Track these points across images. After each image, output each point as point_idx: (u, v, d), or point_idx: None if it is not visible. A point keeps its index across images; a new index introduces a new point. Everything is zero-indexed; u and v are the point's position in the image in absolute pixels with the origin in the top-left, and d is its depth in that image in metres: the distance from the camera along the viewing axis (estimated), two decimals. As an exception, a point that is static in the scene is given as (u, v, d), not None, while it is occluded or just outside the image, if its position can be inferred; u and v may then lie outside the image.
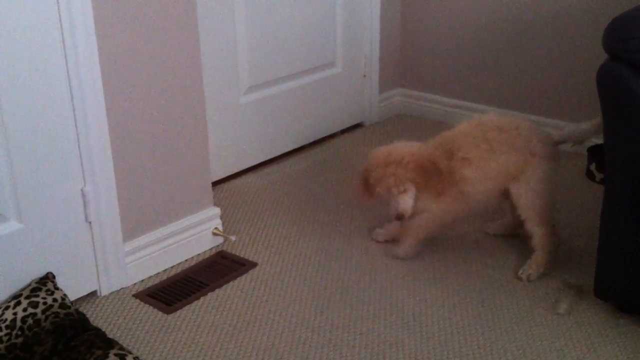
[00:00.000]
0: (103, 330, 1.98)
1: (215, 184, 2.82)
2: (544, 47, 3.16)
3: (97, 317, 2.08)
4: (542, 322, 2.04)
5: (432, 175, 2.21)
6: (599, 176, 2.77)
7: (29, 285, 1.97)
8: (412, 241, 2.35)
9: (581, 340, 1.96)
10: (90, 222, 2.08)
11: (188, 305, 2.13)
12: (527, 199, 2.22)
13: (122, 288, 2.20)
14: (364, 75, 3.47)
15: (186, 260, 2.36)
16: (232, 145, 2.92)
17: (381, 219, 2.59)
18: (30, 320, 1.88)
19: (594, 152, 2.85)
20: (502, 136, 2.21)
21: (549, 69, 3.17)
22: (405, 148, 2.29)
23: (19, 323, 1.86)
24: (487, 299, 2.15)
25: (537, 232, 2.24)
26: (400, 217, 2.26)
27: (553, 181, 2.24)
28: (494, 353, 1.92)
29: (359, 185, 2.33)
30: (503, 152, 2.20)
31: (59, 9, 1.87)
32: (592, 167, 2.83)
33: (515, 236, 2.43)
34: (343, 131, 3.46)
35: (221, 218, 2.47)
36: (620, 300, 2.01)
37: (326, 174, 3.00)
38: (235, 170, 2.98)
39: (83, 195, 2.05)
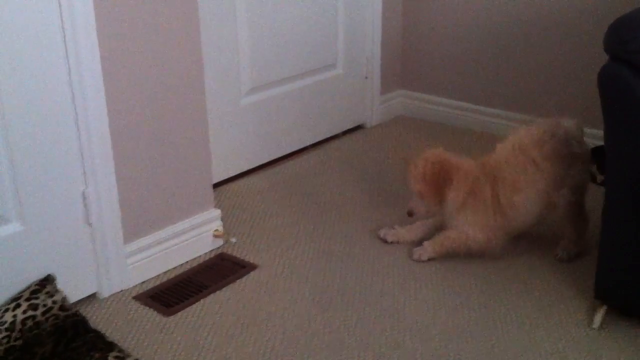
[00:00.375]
0: (103, 332, 1.98)
1: (216, 185, 2.82)
2: (544, 48, 3.15)
3: (97, 319, 2.08)
4: (543, 325, 2.04)
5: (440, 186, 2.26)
6: (600, 178, 2.76)
7: (29, 287, 1.97)
8: (433, 250, 2.34)
9: (581, 342, 1.96)
10: (91, 224, 2.08)
11: (188, 307, 2.12)
12: (569, 203, 2.27)
13: (123, 290, 2.20)
14: (366, 77, 3.47)
15: (187, 262, 2.35)
16: (233, 146, 2.92)
17: (385, 220, 2.59)
18: (30, 323, 1.88)
19: (595, 154, 2.84)
20: (545, 149, 2.23)
21: (550, 71, 3.17)
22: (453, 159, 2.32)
23: (18, 326, 1.86)
24: (489, 302, 2.14)
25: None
26: (409, 214, 2.36)
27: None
28: (494, 356, 1.91)
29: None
30: (549, 166, 2.23)
31: (60, 10, 1.88)
32: (593, 168, 2.83)
33: (517, 238, 2.42)
34: (344, 133, 3.45)
35: (222, 220, 2.47)
36: (621, 302, 2.01)
37: (327, 176, 3.00)
38: (237, 172, 2.98)
39: (84, 197, 2.05)
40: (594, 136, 2.62)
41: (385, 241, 2.45)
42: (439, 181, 2.26)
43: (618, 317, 2.03)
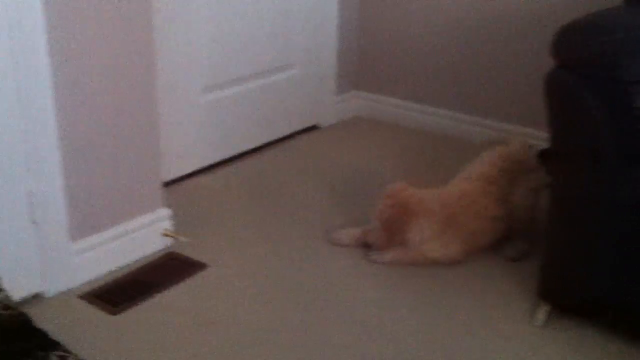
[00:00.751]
0: (47, 331, 1.95)
1: (170, 183, 2.81)
2: (498, 51, 3.20)
3: (42, 319, 2.03)
4: (488, 323, 2.06)
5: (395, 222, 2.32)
6: (548, 180, 2.81)
7: (-29, 286, 1.93)
8: (391, 260, 2.36)
9: (525, 340, 1.99)
10: (36, 222, 2.05)
11: (135, 307, 2.11)
12: (524, 207, 2.41)
13: (69, 289, 2.18)
14: (322, 77, 3.48)
15: (135, 261, 2.33)
16: (188, 144, 2.90)
17: (338, 221, 2.60)
18: (-30, 322, 1.84)
19: (544, 156, 2.88)
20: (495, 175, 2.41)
21: (504, 73, 3.21)
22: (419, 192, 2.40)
23: (-42, 325, 1.83)
24: (437, 301, 2.17)
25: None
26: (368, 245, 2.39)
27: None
28: (442, 353, 1.94)
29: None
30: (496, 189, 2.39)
31: (5, 3, 1.84)
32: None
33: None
34: (299, 132, 3.46)
35: (173, 219, 2.46)
36: (563, 301, 2.04)
37: (280, 175, 3.00)
38: (191, 169, 2.96)
39: (29, 195, 2.02)
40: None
41: (338, 245, 2.46)
42: (396, 225, 2.31)
43: (561, 315, 2.07)
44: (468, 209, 2.35)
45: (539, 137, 3.07)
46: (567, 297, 2.03)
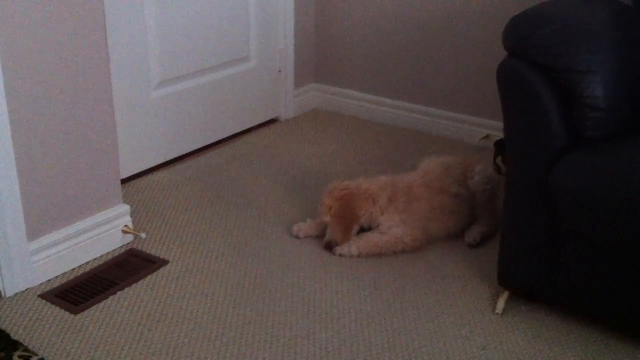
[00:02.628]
0: (7, 332, 1.93)
1: (125, 180, 2.78)
2: (455, 43, 3.23)
3: (1, 319, 2.02)
4: (449, 311, 2.09)
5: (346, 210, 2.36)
6: (504, 169, 2.86)
7: None
8: (358, 250, 2.36)
9: (485, 327, 2.02)
10: (-8, 222, 2.02)
11: (96, 305, 2.09)
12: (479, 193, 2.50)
13: (28, 288, 2.15)
14: (279, 70, 3.47)
15: (95, 258, 2.31)
16: (143, 141, 2.87)
17: (297, 214, 2.61)
18: None
19: (500, 146, 2.93)
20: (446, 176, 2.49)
21: (460, 65, 3.25)
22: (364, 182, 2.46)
23: None
24: (398, 291, 2.19)
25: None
26: (328, 247, 2.40)
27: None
28: (402, 342, 1.96)
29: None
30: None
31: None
32: (498, 160, 2.92)
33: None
34: (258, 126, 3.45)
35: (131, 215, 2.44)
36: (522, 287, 2.08)
37: (239, 170, 2.99)
38: (147, 166, 2.94)
39: (-16, 193, 1.98)
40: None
41: (297, 237, 2.47)
42: (347, 214, 2.36)
43: (520, 301, 2.11)
44: (430, 184, 2.41)
45: (495, 127, 3.12)
46: (522, 282, 2.07)
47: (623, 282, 1.86)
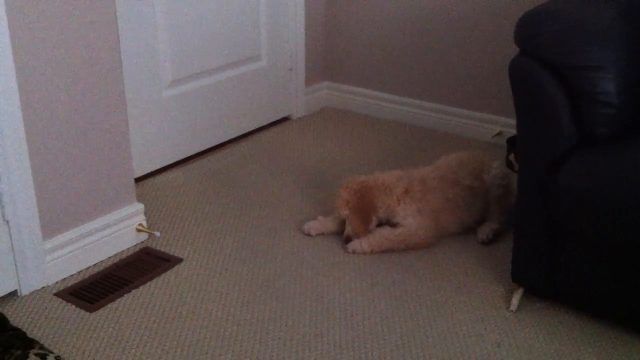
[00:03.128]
0: (23, 330, 1.94)
1: (139, 179, 2.79)
2: (467, 40, 3.22)
3: (17, 317, 2.03)
4: (463, 308, 2.09)
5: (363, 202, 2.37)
6: (517, 166, 2.85)
7: (-57, 287, 1.91)
8: (369, 246, 2.36)
9: (499, 324, 2.02)
10: (7, 221, 2.03)
11: (111, 303, 2.10)
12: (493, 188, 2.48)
13: (44, 287, 2.16)
14: (290, 69, 3.48)
15: (109, 257, 2.32)
16: (156, 140, 2.88)
17: (309, 212, 2.61)
18: (-56, 323, 1.83)
19: (513, 143, 2.92)
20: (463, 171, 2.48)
21: (472, 63, 3.24)
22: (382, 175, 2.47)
23: None
24: (411, 288, 2.19)
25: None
26: (347, 240, 2.40)
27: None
28: (416, 339, 1.96)
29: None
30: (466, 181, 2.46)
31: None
32: (511, 157, 2.91)
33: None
34: (269, 125, 3.46)
35: (145, 214, 2.45)
36: (536, 285, 2.08)
37: (252, 168, 3.00)
38: (160, 165, 2.95)
39: (-1, 193, 2.00)
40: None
41: (309, 235, 2.47)
42: (365, 207, 2.37)
43: (534, 299, 2.11)
44: (444, 177, 2.42)
45: (508, 124, 3.12)
46: (536, 279, 2.06)
47: (624, 283, 1.86)
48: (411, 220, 2.37)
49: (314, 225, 2.48)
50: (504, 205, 2.48)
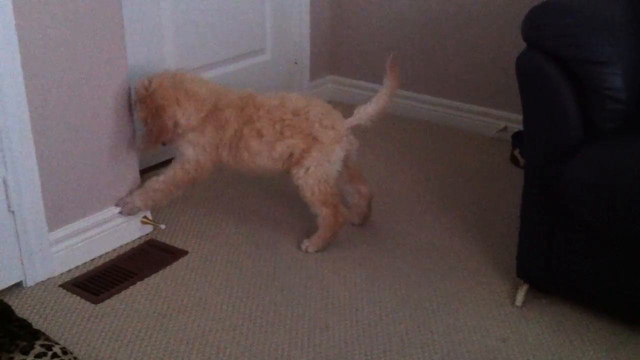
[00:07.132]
0: (29, 321, 1.94)
1: (144, 171, 2.79)
2: (473, 34, 3.22)
3: (22, 308, 2.04)
4: (468, 304, 2.09)
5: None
6: (522, 161, 2.85)
7: (-51, 277, 1.91)
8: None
9: (505, 320, 2.02)
10: (13, 212, 2.03)
11: (116, 295, 2.10)
12: (307, 183, 2.28)
13: (49, 278, 2.16)
14: (295, 62, 3.47)
15: (114, 249, 2.32)
16: (161, 132, 2.87)
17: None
18: (-50, 313, 1.83)
19: (518, 138, 2.92)
20: (293, 120, 2.26)
21: (477, 57, 3.24)
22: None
23: (-62, 316, 1.81)
24: (415, 284, 2.19)
25: (320, 213, 2.31)
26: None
27: (337, 164, 2.30)
28: (421, 334, 1.96)
29: None
30: (288, 136, 2.26)
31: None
32: (516, 152, 2.91)
33: (441, 218, 2.47)
34: (274, 118, 3.45)
35: (150, 206, 2.45)
36: (540, 280, 2.08)
37: (257, 161, 2.99)
38: (164, 158, 2.94)
39: (4, 184, 1.99)
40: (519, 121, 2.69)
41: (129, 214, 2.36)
42: (158, 108, 2.23)
43: (540, 294, 2.11)
44: (244, 110, 2.29)
45: (513, 120, 3.11)
46: (545, 276, 2.06)
47: (629, 278, 1.86)
48: (188, 149, 2.27)
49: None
50: (332, 228, 2.33)
